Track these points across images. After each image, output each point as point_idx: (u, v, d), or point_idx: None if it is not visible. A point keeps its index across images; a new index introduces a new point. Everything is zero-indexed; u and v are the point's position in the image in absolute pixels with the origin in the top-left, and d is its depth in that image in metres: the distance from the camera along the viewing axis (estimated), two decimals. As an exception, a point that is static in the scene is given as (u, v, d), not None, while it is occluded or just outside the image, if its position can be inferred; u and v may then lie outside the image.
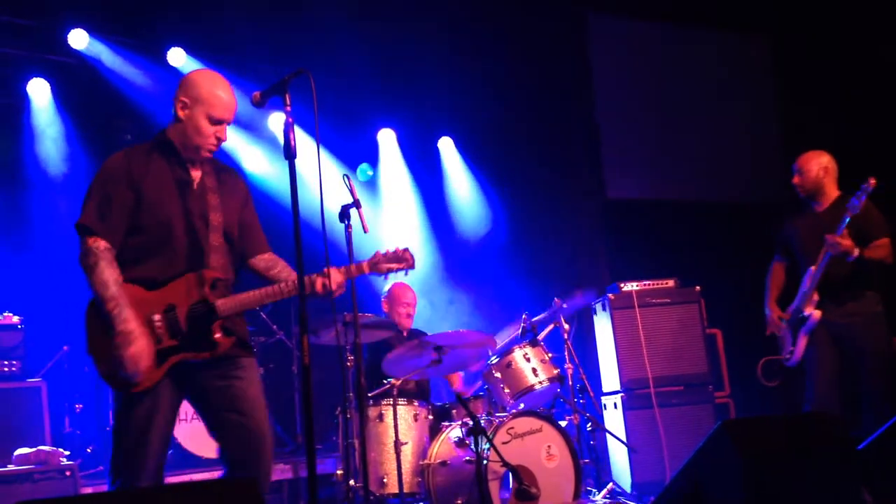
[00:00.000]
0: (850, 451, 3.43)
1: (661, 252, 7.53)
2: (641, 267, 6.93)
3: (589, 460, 5.69)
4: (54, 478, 4.66)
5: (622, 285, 6.52)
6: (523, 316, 5.72)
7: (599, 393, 6.58)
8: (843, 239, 4.89)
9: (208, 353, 3.35)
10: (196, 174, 3.49)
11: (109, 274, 3.24)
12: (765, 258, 5.72)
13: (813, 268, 5.11)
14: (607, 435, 6.28)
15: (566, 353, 5.78)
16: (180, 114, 3.43)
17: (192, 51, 7.14)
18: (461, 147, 8.45)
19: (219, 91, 3.42)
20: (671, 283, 6.57)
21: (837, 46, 7.80)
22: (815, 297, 5.13)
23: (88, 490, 5.04)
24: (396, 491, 5.00)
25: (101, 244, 3.27)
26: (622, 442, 6.17)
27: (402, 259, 3.72)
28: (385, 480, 5.09)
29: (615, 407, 6.40)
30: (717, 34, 8.70)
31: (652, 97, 8.42)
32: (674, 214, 8.10)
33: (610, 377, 6.53)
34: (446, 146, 8.47)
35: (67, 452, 5.22)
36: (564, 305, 5.77)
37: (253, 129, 7.55)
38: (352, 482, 4.89)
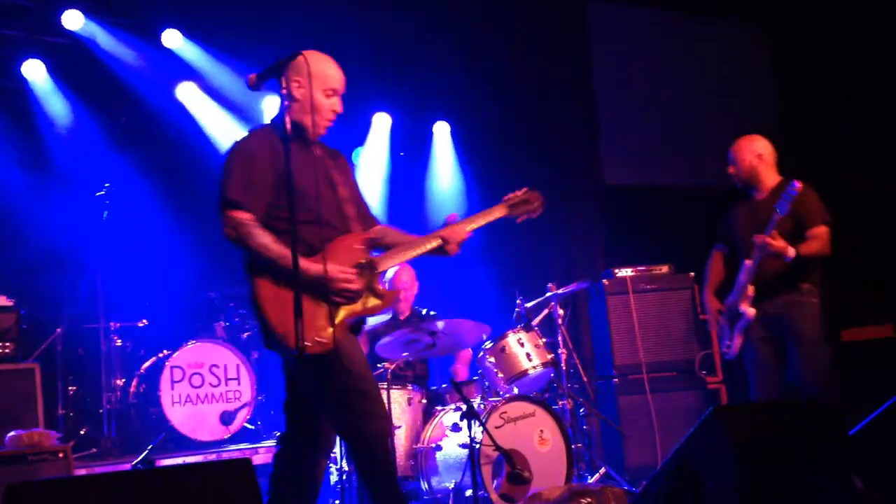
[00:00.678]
0: (840, 437, 3.45)
1: (657, 238, 7.51)
2: (637, 253, 6.93)
3: (581, 445, 5.71)
4: (47, 460, 4.65)
5: (616, 271, 6.53)
6: (517, 301, 5.72)
7: (593, 378, 6.61)
8: (774, 240, 4.71)
9: (381, 301, 3.51)
10: (318, 152, 3.63)
11: (265, 237, 3.34)
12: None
13: (748, 262, 4.95)
14: (600, 419, 6.30)
15: (560, 338, 5.80)
16: (296, 94, 3.53)
17: (187, 32, 7.10)
18: (457, 131, 8.41)
19: (327, 65, 3.56)
20: (665, 269, 6.59)
21: (837, 46, 7.72)
22: (750, 292, 4.98)
23: (82, 472, 5.05)
24: (390, 474, 5.01)
25: (247, 216, 3.36)
26: (615, 426, 6.20)
27: (529, 200, 3.93)
28: (378, 464, 5.09)
29: (608, 392, 6.42)
30: (717, 26, 8.65)
31: (651, 84, 8.38)
32: (671, 201, 8.07)
33: (603, 362, 6.56)
34: (442, 130, 8.43)
35: (60, 435, 5.22)
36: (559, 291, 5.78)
37: (247, 111, 7.51)
38: (344, 465, 4.90)
